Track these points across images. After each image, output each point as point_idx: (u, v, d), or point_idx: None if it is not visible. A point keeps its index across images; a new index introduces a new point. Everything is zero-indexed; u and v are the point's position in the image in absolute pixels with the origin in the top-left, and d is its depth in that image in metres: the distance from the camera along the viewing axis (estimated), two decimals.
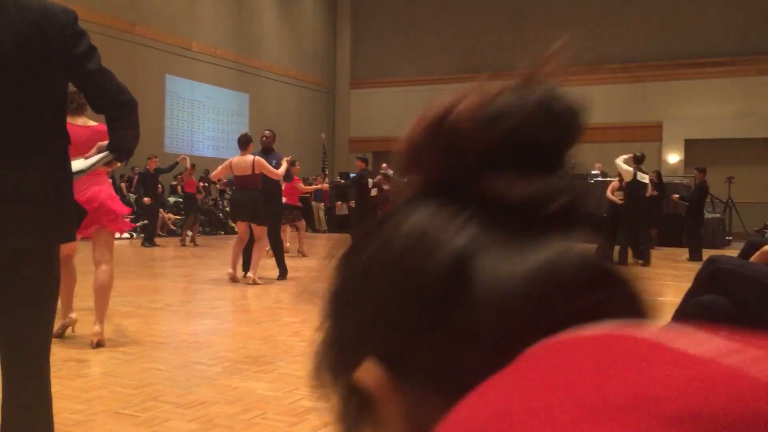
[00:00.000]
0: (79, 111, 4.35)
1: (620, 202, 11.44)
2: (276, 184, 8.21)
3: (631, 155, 11.63)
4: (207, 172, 18.10)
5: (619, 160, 11.44)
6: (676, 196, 13.30)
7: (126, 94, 2.10)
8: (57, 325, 4.27)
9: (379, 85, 26.05)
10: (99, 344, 4.40)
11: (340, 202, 14.66)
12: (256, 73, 22.98)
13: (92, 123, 4.43)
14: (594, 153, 21.19)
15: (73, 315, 4.67)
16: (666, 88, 21.69)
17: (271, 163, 7.98)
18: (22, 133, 1.94)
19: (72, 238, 2.06)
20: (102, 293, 4.47)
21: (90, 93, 2.08)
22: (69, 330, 4.71)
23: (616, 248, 11.17)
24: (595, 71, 22.75)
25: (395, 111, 25.52)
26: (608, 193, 11.62)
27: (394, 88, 25.76)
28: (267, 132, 8.59)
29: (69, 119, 4.00)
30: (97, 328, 4.44)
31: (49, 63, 1.97)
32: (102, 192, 4.44)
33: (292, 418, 3.06)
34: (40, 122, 1.97)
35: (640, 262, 11.13)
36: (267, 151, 8.33)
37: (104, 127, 4.53)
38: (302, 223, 11.97)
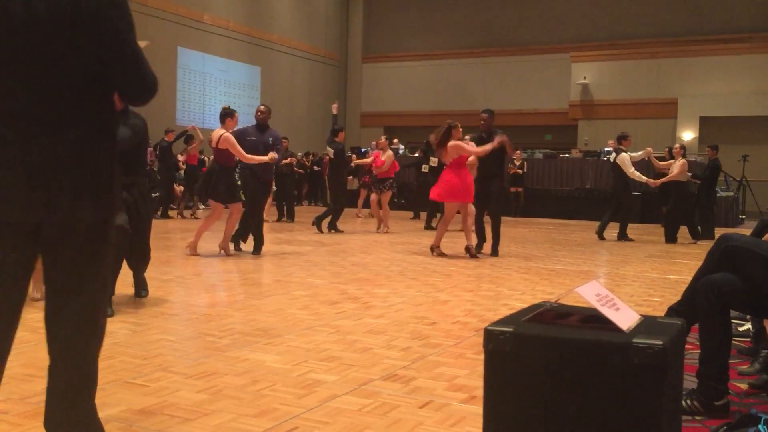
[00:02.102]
0: None
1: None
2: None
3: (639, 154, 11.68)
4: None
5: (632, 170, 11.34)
6: (689, 174, 13.19)
7: (152, 81, 2.05)
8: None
9: (392, 60, 25.85)
10: None
11: (351, 177, 14.61)
12: (269, 46, 22.85)
13: None
14: (607, 129, 21.03)
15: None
16: (681, 64, 21.40)
17: (266, 141, 7.91)
18: (55, 107, 1.95)
19: (107, 214, 2.04)
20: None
21: (120, 73, 2.02)
22: None
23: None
24: (609, 47, 22.49)
25: (407, 85, 25.38)
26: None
27: (407, 62, 25.56)
28: (262, 107, 8.30)
29: None
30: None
31: (83, 32, 1.94)
32: None
33: (300, 390, 3.08)
34: (73, 96, 1.96)
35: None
36: (262, 128, 8.09)
37: None
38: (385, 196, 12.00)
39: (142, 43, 2.27)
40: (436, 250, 8.51)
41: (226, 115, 7.72)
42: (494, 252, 8.61)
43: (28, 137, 1.92)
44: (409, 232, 12.30)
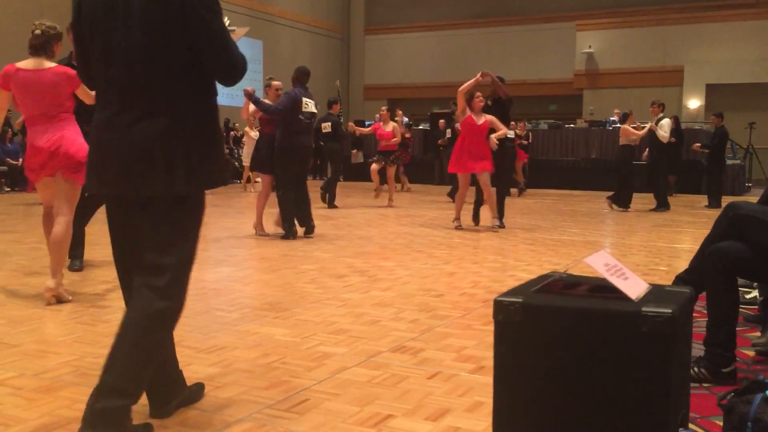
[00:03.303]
0: (39, 53, 4.18)
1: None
2: (277, 129, 7.34)
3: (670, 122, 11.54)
4: (227, 120, 18.05)
5: (663, 133, 11.30)
6: (698, 145, 13.09)
7: (241, 63, 2.25)
8: (51, 284, 4.17)
9: (394, 31, 25.63)
10: (59, 300, 4.14)
11: (355, 150, 14.59)
12: (270, 19, 22.66)
13: (50, 64, 4.21)
14: (613, 98, 20.89)
15: (51, 283, 4.24)
16: (687, 31, 21.16)
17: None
18: (151, 92, 2.17)
19: (218, 184, 2.32)
20: (56, 248, 4.19)
21: (210, 59, 2.21)
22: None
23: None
24: (615, 15, 22.24)
25: (411, 57, 25.19)
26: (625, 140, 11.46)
27: (410, 33, 25.35)
28: (276, 83, 8.12)
29: (32, 63, 4.12)
30: (50, 283, 4.13)
31: (174, 23, 2.14)
32: (64, 137, 4.18)
33: (310, 363, 3.11)
34: (167, 82, 2.18)
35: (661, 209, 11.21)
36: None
37: (62, 69, 4.57)
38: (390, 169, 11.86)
39: (241, 30, 2.56)
40: (455, 222, 8.44)
41: (267, 85, 7.88)
42: (500, 223, 8.57)
43: (130, 121, 2.17)
44: (414, 205, 12.31)
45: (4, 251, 6.18)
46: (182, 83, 2.20)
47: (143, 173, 2.16)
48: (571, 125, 18.67)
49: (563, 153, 17.65)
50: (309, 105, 7.34)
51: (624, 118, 11.75)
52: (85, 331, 3.59)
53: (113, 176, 2.21)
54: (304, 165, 7.55)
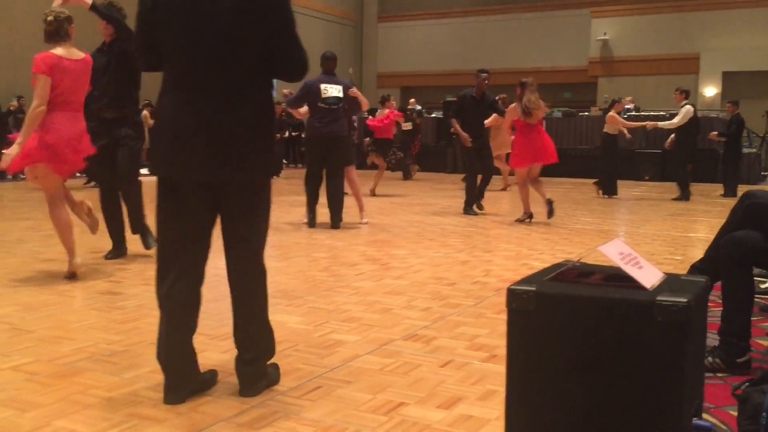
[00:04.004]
0: (68, 39, 4.46)
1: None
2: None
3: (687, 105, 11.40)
4: None
5: (664, 124, 11.27)
6: (714, 133, 12.92)
7: (307, 61, 2.48)
8: (79, 260, 4.62)
9: (408, 19, 25.49)
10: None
11: (368, 139, 14.55)
12: None
13: (81, 54, 4.51)
14: (627, 86, 20.70)
15: (78, 260, 4.56)
16: (704, 18, 20.91)
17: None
18: (233, 84, 2.36)
19: (279, 172, 2.51)
20: (71, 230, 4.54)
21: (285, 55, 2.44)
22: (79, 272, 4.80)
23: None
24: (631, 2, 22.01)
25: (424, 45, 25.06)
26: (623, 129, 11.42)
27: (423, 21, 25.20)
28: None
29: (63, 51, 4.39)
30: (78, 260, 4.57)
31: (258, 22, 2.34)
32: (84, 129, 4.55)
33: (322, 351, 3.12)
34: (247, 75, 2.39)
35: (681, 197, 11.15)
36: None
37: (89, 59, 4.84)
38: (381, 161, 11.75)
39: (350, 70, 2.92)
40: (524, 215, 8.08)
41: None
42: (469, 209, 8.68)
43: (214, 111, 2.35)
44: (426, 193, 12.29)
45: (19, 238, 6.23)
46: (259, 76, 2.43)
47: (228, 159, 2.36)
48: (586, 113, 18.53)
49: (577, 141, 17.52)
50: (328, 90, 7.01)
51: (611, 105, 11.69)
52: (99, 318, 3.61)
53: (195, 161, 2.36)
54: (331, 155, 7.14)
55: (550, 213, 7.76)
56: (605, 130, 11.43)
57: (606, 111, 12.73)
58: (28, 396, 2.52)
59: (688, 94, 11.52)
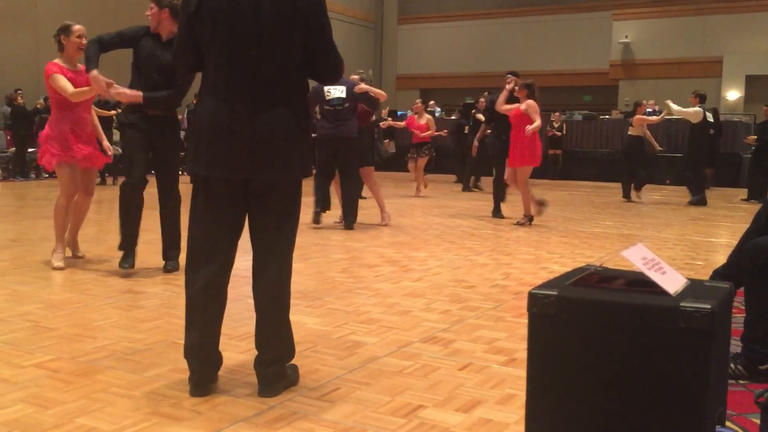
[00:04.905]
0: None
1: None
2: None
3: (694, 95, 11.26)
4: None
5: (675, 106, 11.12)
6: (752, 138, 12.64)
7: (342, 64, 2.60)
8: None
9: (428, 20, 25.47)
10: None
11: (387, 140, 14.57)
12: None
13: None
14: (649, 89, 20.53)
15: (80, 253, 5.23)
16: (727, 21, 20.68)
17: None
18: (272, 86, 2.45)
19: (309, 174, 2.61)
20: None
21: (321, 59, 2.54)
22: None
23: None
24: (653, 4, 21.83)
25: (444, 47, 25.03)
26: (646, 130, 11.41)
27: (443, 23, 25.17)
28: None
29: (67, 65, 4.62)
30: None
31: (296, 28, 2.44)
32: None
33: (341, 352, 3.13)
34: (285, 77, 2.48)
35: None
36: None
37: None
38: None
39: (369, 72, 2.98)
40: (537, 206, 8.03)
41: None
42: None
43: (253, 112, 2.42)
44: (445, 195, 12.26)
45: (42, 236, 6.30)
46: (296, 79, 2.51)
47: (268, 160, 2.44)
48: (606, 116, 18.40)
49: (598, 144, 17.41)
50: (331, 92, 7.09)
51: (635, 108, 11.60)
52: (121, 317, 3.65)
53: (231, 161, 2.43)
54: (340, 156, 7.18)
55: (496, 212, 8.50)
56: (630, 132, 11.37)
57: (628, 114, 12.65)
58: (50, 393, 2.55)
59: (703, 99, 11.37)
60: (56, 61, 4.85)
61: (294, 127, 2.49)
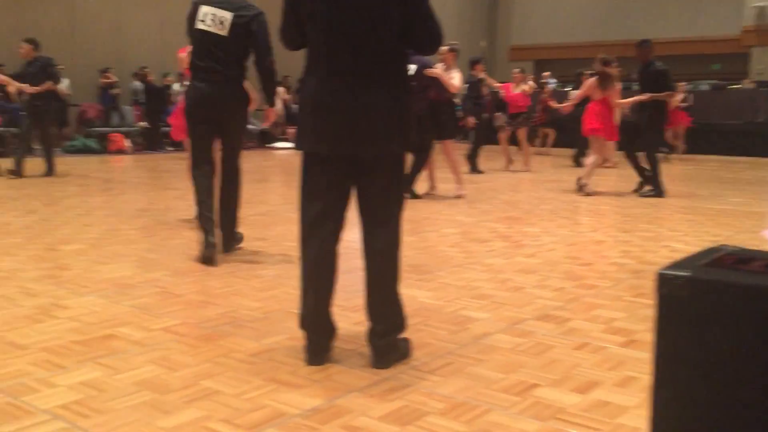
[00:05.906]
0: None
1: None
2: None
3: None
4: None
5: None
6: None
7: (442, 34, 2.54)
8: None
9: None
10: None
11: (498, 113, 14.28)
12: None
13: None
14: None
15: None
16: None
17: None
18: (372, 61, 2.46)
19: (411, 148, 2.71)
20: None
21: (419, 29, 2.51)
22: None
23: None
24: None
25: (561, 15, 24.15)
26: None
27: None
28: None
29: None
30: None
31: (397, 2, 2.42)
32: None
33: (453, 327, 3.11)
34: (384, 51, 2.48)
35: None
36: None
37: None
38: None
39: (482, 43, 2.98)
40: (584, 187, 8.04)
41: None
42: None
43: (355, 88, 2.46)
44: (557, 170, 11.92)
45: (167, 207, 6.64)
46: (396, 53, 2.51)
47: (370, 134, 2.46)
48: (737, 86, 17.22)
49: (726, 116, 16.33)
50: None
51: None
52: (241, 285, 3.79)
53: (337, 136, 2.48)
54: None
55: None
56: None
57: (761, 84, 11.68)
58: (177, 356, 2.69)
59: None
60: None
61: (394, 100, 2.50)
